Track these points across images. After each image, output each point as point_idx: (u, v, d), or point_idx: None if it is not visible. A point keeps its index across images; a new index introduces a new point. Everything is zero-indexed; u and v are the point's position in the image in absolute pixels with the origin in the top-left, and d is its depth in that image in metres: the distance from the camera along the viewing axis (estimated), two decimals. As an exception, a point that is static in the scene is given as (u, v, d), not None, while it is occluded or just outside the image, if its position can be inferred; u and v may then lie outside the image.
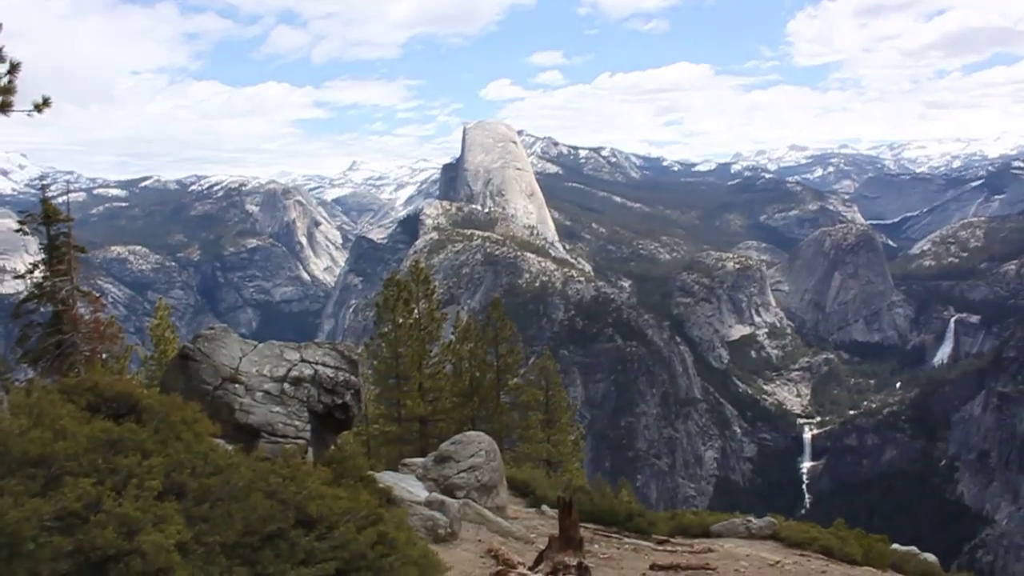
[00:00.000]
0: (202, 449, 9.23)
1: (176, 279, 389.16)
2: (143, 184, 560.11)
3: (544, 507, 25.64)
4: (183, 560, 6.61)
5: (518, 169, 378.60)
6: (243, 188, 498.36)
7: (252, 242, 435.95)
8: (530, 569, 13.83)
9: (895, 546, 24.73)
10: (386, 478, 19.60)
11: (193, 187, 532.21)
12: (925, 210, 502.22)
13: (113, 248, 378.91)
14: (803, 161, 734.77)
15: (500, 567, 13.48)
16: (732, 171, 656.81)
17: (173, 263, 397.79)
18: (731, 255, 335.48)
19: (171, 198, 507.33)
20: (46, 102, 12.80)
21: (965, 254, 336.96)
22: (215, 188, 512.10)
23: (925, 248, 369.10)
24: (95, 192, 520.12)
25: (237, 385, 15.63)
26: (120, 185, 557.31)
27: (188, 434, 9.95)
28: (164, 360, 34.73)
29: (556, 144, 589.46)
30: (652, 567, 16.56)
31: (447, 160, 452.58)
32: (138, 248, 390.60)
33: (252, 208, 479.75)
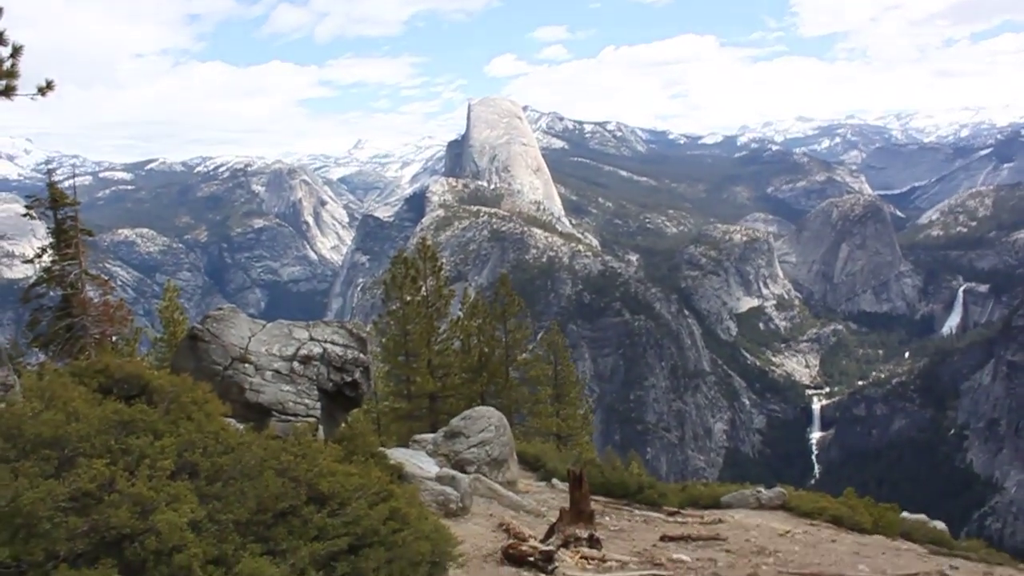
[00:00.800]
0: (213, 429, 9.30)
1: (184, 261, 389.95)
2: (149, 167, 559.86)
3: (555, 481, 25.74)
4: (197, 538, 6.68)
5: (524, 145, 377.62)
6: (249, 168, 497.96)
7: (259, 222, 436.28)
8: (541, 542, 13.93)
9: (905, 515, 24.77)
10: (397, 454, 19.71)
11: (199, 168, 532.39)
12: (933, 180, 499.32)
13: (120, 231, 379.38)
14: (810, 132, 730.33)
15: (512, 540, 13.58)
16: (738, 143, 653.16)
17: (180, 245, 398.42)
18: (738, 227, 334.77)
19: (177, 180, 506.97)
20: (49, 85, 12.80)
21: (974, 223, 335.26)
22: (221, 169, 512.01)
23: (933, 218, 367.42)
24: (101, 175, 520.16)
25: (247, 365, 15.71)
26: (126, 168, 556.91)
27: (199, 414, 10.03)
28: (174, 342, 34.83)
29: (561, 119, 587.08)
30: (663, 538, 16.66)
31: (452, 137, 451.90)
32: (145, 231, 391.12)
33: (258, 188, 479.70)
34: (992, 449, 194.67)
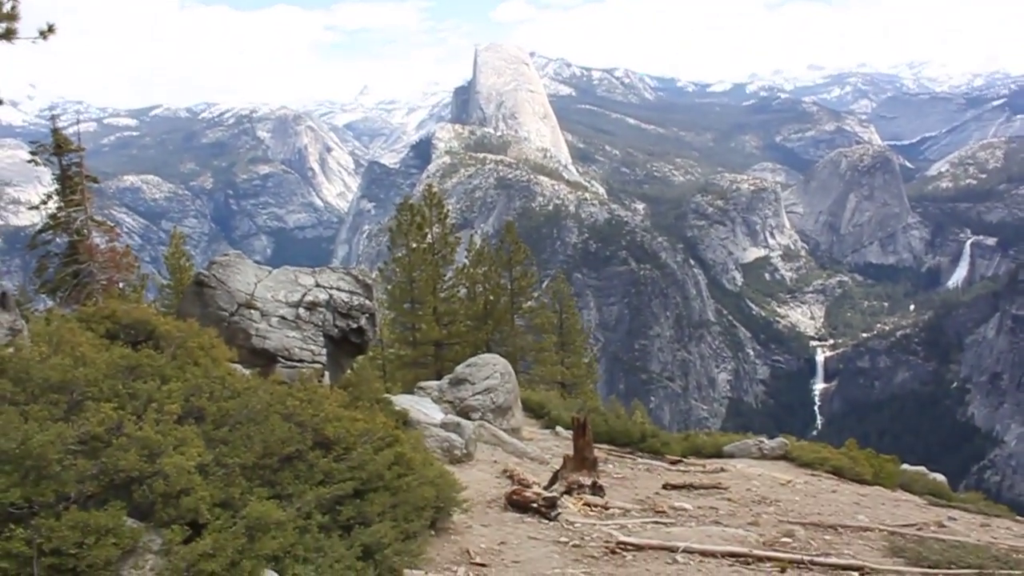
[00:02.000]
0: (220, 374, 9.38)
1: (190, 208, 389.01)
2: (153, 112, 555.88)
3: (558, 428, 25.93)
4: (204, 481, 6.76)
5: (530, 91, 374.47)
6: (254, 115, 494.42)
7: (264, 169, 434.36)
8: (545, 489, 14.08)
9: (905, 466, 24.96)
10: (402, 401, 19.84)
11: (204, 114, 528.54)
12: (944, 130, 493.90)
13: (126, 178, 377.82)
14: (820, 81, 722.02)
15: (515, 487, 13.72)
16: (747, 91, 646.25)
17: (186, 192, 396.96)
18: (746, 177, 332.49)
19: (182, 126, 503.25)
20: (51, 28, 12.65)
21: (983, 175, 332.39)
22: (226, 115, 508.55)
23: (943, 169, 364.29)
24: (105, 122, 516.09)
25: (253, 311, 15.76)
26: (130, 114, 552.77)
27: (205, 359, 10.11)
28: (180, 288, 34.93)
29: (569, 65, 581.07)
30: (665, 486, 16.81)
31: (459, 83, 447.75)
32: (150, 177, 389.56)
33: (263, 135, 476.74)
34: (993, 403, 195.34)
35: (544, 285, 52.63)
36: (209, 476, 6.95)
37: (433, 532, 10.24)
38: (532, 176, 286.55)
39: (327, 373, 16.24)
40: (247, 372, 11.69)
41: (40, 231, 23.15)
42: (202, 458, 6.96)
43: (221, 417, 8.09)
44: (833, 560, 10.52)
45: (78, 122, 25.37)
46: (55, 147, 22.40)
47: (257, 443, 7.73)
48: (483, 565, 9.46)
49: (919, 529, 13.97)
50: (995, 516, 18.73)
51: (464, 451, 17.09)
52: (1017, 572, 10.45)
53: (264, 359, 15.35)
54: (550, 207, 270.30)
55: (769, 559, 10.30)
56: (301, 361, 15.64)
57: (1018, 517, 20.57)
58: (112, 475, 6.40)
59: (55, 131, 22.73)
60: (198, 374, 9.05)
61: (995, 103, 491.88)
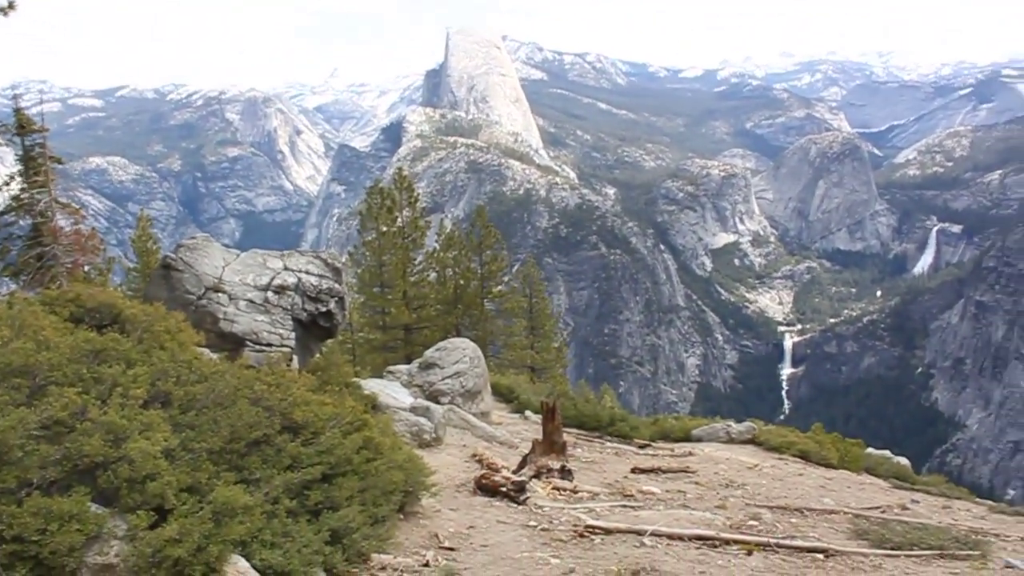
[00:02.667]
0: (187, 358, 9.30)
1: (157, 190, 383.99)
2: (120, 93, 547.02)
3: (528, 413, 25.99)
4: (170, 466, 6.71)
5: (502, 75, 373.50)
6: (223, 96, 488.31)
7: (233, 151, 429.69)
8: (514, 473, 14.11)
9: (870, 450, 25.28)
10: (371, 385, 19.78)
11: (172, 96, 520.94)
12: (912, 118, 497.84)
13: (91, 159, 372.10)
14: (791, 68, 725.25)
15: (484, 471, 13.74)
16: (719, 77, 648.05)
17: (153, 174, 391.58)
18: (716, 163, 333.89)
19: (149, 107, 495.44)
20: (11, 5, 12.43)
21: (950, 163, 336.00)
22: (194, 97, 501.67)
23: (910, 157, 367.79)
24: (70, 102, 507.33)
25: (220, 294, 15.63)
26: (96, 95, 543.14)
27: (172, 343, 10.02)
28: (147, 272, 34.62)
29: (541, 49, 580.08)
30: (633, 470, 16.90)
31: (430, 66, 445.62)
32: (117, 159, 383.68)
33: (232, 117, 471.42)
34: (956, 388, 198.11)
35: (514, 269, 52.72)
36: (175, 461, 6.90)
37: (402, 516, 10.24)
38: (503, 160, 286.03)
39: (296, 357, 16.15)
40: (214, 356, 11.61)
41: (2, 213, 22.77)
42: (168, 443, 6.91)
43: (188, 401, 8.03)
44: (799, 542, 10.63)
45: (41, 102, 25.02)
46: (18, 127, 22.01)
47: (224, 427, 7.68)
48: (452, 549, 9.48)
49: (883, 512, 14.16)
50: (956, 498, 19.05)
51: (433, 435, 17.08)
52: (976, 552, 10.63)
53: (232, 343, 15.24)
54: (521, 191, 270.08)
55: (736, 542, 10.40)
56: (269, 345, 15.54)
57: (978, 499, 20.94)
58: (76, 460, 6.34)
59: (17, 111, 22.34)
60: (164, 358, 8.97)
61: (962, 92, 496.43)
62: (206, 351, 11.88)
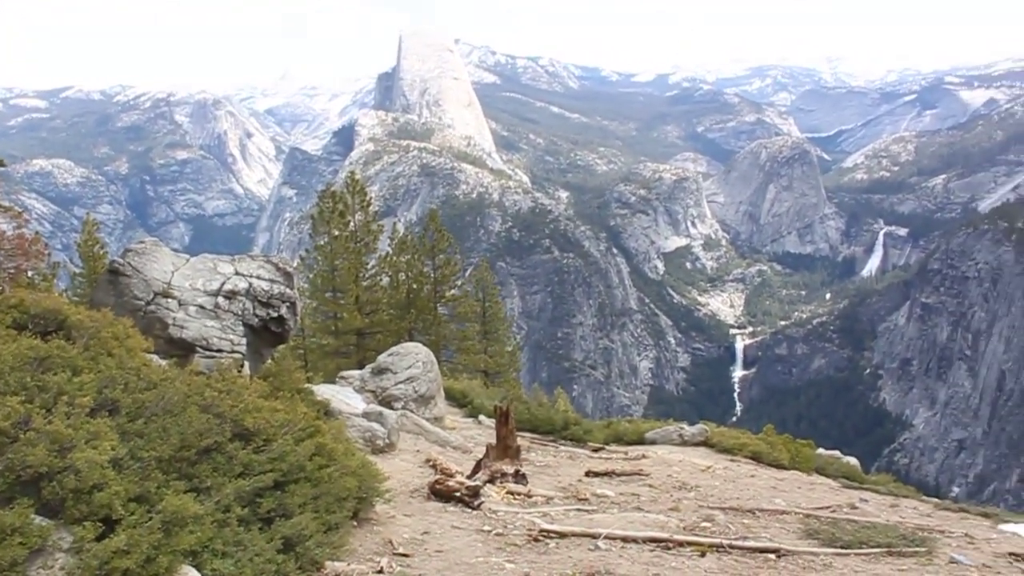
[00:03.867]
0: (135, 365, 9.15)
1: (104, 194, 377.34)
2: (64, 94, 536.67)
3: (481, 417, 25.97)
4: (118, 476, 6.58)
5: (455, 79, 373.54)
6: (171, 98, 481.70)
7: (182, 154, 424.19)
8: (468, 477, 14.07)
9: (820, 451, 25.60)
10: (324, 391, 19.64)
11: (118, 97, 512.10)
12: (859, 124, 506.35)
13: (35, 162, 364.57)
14: (741, 73, 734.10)
15: (438, 476, 13.69)
16: (670, 82, 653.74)
17: (100, 177, 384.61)
18: (668, 167, 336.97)
19: (95, 109, 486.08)
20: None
21: (896, 168, 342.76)
22: (142, 98, 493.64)
23: (858, 161, 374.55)
24: (12, 103, 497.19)
25: (170, 300, 15.40)
26: (39, 95, 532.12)
27: (120, 350, 9.84)
28: (93, 277, 33.99)
29: (494, 53, 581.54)
30: (587, 473, 16.95)
31: (383, 69, 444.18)
32: (62, 161, 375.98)
33: (181, 119, 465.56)
34: (904, 388, 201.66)
35: (467, 273, 52.56)
36: (123, 470, 6.77)
37: (355, 523, 10.16)
38: (456, 164, 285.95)
39: (247, 363, 15.97)
40: (164, 363, 11.43)
41: (-59, 216, 22.21)
42: (116, 452, 6.77)
43: (136, 409, 7.88)
44: (751, 543, 10.73)
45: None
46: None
47: (174, 435, 7.56)
48: (406, 555, 9.42)
49: (833, 511, 14.34)
50: (903, 496, 19.36)
51: (387, 441, 16.99)
52: (922, 549, 10.83)
53: (182, 349, 15.03)
54: (474, 195, 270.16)
55: (689, 543, 10.47)
56: (220, 351, 15.35)
57: (924, 497, 21.32)
58: (19, 471, 6.19)
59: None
60: (112, 365, 8.81)
61: (907, 98, 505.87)
62: (155, 358, 11.70)
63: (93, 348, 9.52)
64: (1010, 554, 11.19)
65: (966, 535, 12.74)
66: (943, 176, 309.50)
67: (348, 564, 8.40)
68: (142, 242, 16.76)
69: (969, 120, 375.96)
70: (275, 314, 16.75)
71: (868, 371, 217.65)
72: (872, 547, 10.81)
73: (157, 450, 7.26)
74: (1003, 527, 14.82)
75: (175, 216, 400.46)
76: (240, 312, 16.19)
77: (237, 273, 16.85)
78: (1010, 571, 10.34)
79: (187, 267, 16.52)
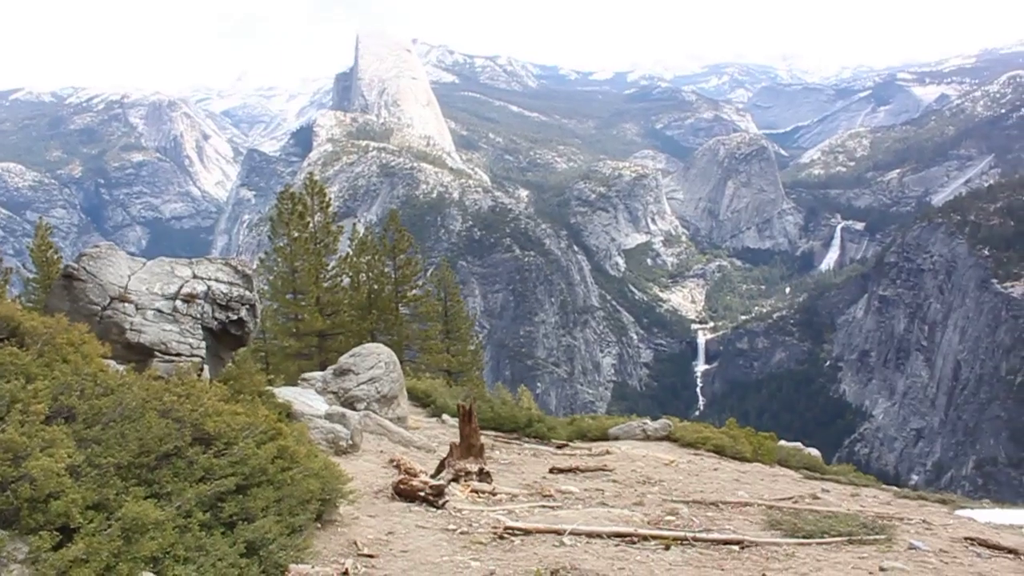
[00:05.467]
0: (91, 371, 9.00)
1: (57, 198, 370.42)
2: (14, 96, 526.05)
3: (445, 416, 25.94)
4: (75, 483, 6.49)
5: (413, 78, 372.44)
6: (125, 100, 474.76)
7: (138, 157, 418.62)
8: (432, 477, 14.04)
9: (782, 443, 25.89)
10: (285, 393, 19.51)
11: (70, 99, 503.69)
12: (815, 120, 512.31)
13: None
14: (699, 70, 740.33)
15: (402, 476, 13.64)
16: (628, 80, 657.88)
17: (53, 180, 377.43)
18: (627, 164, 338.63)
19: (46, 111, 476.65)
20: None
21: (852, 163, 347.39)
22: (95, 100, 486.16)
23: (815, 157, 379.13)
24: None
25: (127, 304, 15.20)
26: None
27: (75, 356, 9.69)
28: (47, 282, 33.47)
29: (452, 52, 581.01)
30: (552, 470, 16.99)
31: (340, 69, 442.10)
32: (12, 165, 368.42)
33: (136, 121, 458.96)
34: (863, 380, 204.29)
35: (428, 273, 52.47)
36: (81, 478, 6.67)
37: (319, 525, 10.10)
38: (415, 164, 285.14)
39: (207, 367, 15.81)
40: (121, 368, 11.28)
41: None
42: (72, 459, 6.67)
43: (93, 416, 7.76)
44: (715, 535, 10.81)
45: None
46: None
47: (132, 441, 7.46)
48: (371, 556, 9.38)
49: (795, 502, 14.50)
50: (863, 486, 19.66)
51: (349, 442, 16.90)
52: (882, 536, 11.00)
53: (140, 354, 14.84)
54: (434, 195, 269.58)
55: (654, 537, 10.52)
56: (179, 355, 15.18)
57: (884, 486, 21.66)
58: (-28, 481, 6.08)
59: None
60: (67, 371, 8.67)
61: (861, 95, 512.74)
62: (112, 363, 11.54)
63: (47, 355, 9.36)
64: (966, 538, 11.44)
65: (924, 521, 12.96)
66: (898, 171, 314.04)
67: (312, 567, 8.34)
68: (97, 246, 16.51)
69: (922, 115, 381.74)
70: (235, 317, 16.59)
71: (828, 363, 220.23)
72: (833, 536, 10.97)
73: (115, 456, 7.16)
74: (959, 512, 15.13)
75: (131, 220, 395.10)
76: (199, 315, 16.02)
77: (195, 276, 16.67)
78: (966, 555, 10.56)
79: (144, 271, 16.31)
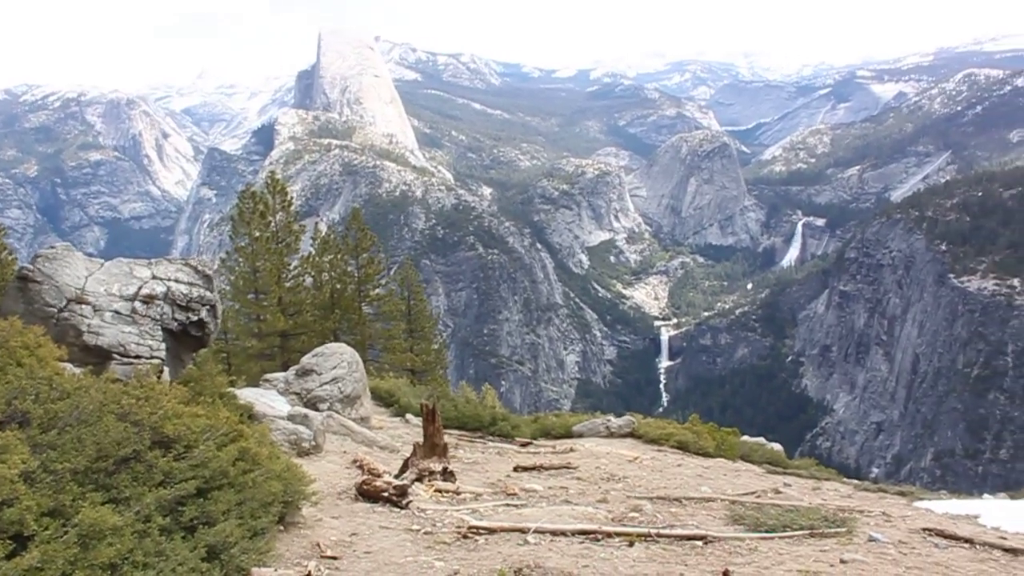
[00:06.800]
0: (47, 374, 8.87)
1: (12, 197, 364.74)
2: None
3: (409, 416, 25.84)
4: (30, 490, 6.38)
5: (376, 76, 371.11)
6: (82, 98, 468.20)
7: (95, 156, 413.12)
8: (396, 477, 13.98)
9: (745, 438, 26.03)
10: (247, 394, 19.35)
11: (25, 97, 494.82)
12: (777, 117, 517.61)
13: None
14: (661, 68, 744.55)
15: (366, 476, 13.57)
16: (591, 77, 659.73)
17: (7, 180, 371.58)
18: (590, 161, 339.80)
19: (0, 109, 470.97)
20: None
21: (813, 160, 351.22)
22: (51, 98, 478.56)
23: (776, 154, 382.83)
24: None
25: (84, 306, 14.98)
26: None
27: (30, 359, 9.55)
28: (2, 285, 32.86)
29: (415, 50, 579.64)
30: (516, 469, 16.99)
31: (302, 67, 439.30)
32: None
33: (93, 119, 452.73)
34: (824, 374, 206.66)
35: (392, 272, 52.36)
36: (36, 484, 6.56)
37: (282, 527, 10.02)
38: (378, 162, 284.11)
39: (167, 369, 15.63)
40: (78, 371, 11.12)
41: None
42: (27, 465, 6.56)
43: (49, 420, 7.65)
44: (678, 531, 10.88)
45: None
46: None
47: (90, 446, 7.35)
48: (334, 558, 9.32)
49: (758, 496, 14.63)
50: (825, 480, 19.87)
51: (312, 443, 16.80)
52: (843, 529, 11.16)
53: (98, 357, 14.63)
54: (397, 193, 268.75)
55: (618, 534, 10.56)
56: (138, 357, 14.99)
57: (845, 479, 21.92)
58: (-77, 489, 5.96)
59: None
60: (22, 375, 8.53)
61: (822, 92, 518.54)
62: (69, 366, 11.39)
63: (1, 359, 9.22)
64: (924, 529, 11.64)
65: (884, 514, 13.15)
66: (857, 167, 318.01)
67: (275, 570, 8.28)
68: (53, 247, 16.26)
69: (881, 113, 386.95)
70: (195, 318, 16.41)
71: (790, 358, 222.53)
72: (795, 530, 11.10)
73: (72, 462, 7.05)
74: (918, 504, 15.35)
75: (89, 220, 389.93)
76: (158, 317, 15.83)
77: (154, 277, 16.47)
78: (924, 545, 10.74)
79: (101, 272, 16.09)
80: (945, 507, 14.69)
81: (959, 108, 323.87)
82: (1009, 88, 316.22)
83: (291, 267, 40.84)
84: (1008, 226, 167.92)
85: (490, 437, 23.27)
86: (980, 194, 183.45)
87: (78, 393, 8.45)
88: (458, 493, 13.77)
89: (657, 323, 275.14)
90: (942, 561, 9.91)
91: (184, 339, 16.71)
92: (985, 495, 20.77)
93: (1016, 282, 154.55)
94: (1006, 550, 10.48)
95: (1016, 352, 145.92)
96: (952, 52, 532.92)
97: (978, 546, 10.70)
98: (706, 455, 22.04)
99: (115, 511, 6.76)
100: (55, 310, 14.73)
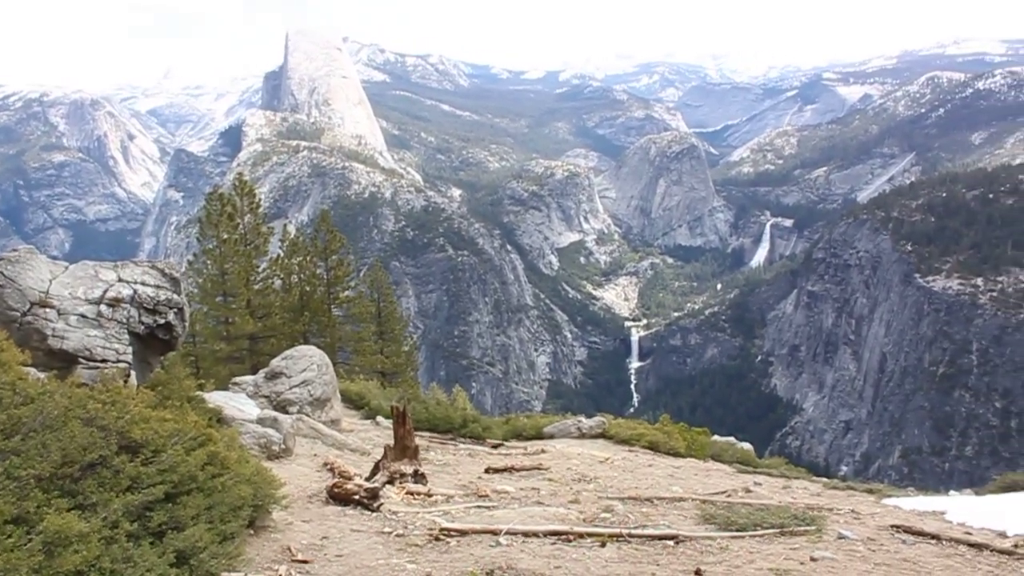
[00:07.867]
0: (9, 379, 8.74)
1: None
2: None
3: (379, 418, 25.75)
4: (-7, 497, 6.28)
5: (344, 77, 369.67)
6: (45, 99, 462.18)
7: (59, 157, 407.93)
8: (367, 480, 13.92)
9: (715, 438, 26.19)
10: (216, 398, 19.18)
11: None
12: (744, 119, 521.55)
13: None
14: (630, 69, 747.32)
15: (336, 479, 13.50)
16: (560, 79, 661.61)
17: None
18: (559, 163, 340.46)
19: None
20: None
21: (780, 161, 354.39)
22: (12, 98, 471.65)
23: (744, 155, 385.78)
24: None
25: (48, 310, 14.78)
26: None
27: (-7, 364, 9.41)
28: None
29: (383, 51, 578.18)
30: (487, 470, 16.98)
31: (269, 68, 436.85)
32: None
33: (57, 120, 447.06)
34: (793, 374, 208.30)
35: (361, 274, 52.18)
36: (-1, 491, 6.46)
37: (252, 532, 9.95)
38: (347, 163, 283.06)
39: (134, 373, 15.44)
40: (43, 376, 10.97)
41: None
42: (-10, 472, 6.46)
43: (12, 426, 7.53)
44: (650, 531, 10.90)
45: None
46: None
47: (55, 451, 7.25)
48: (305, 562, 9.27)
49: (728, 496, 14.70)
50: (795, 478, 20.02)
51: (282, 446, 16.69)
52: (812, 527, 11.25)
53: (63, 361, 14.44)
54: (366, 195, 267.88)
55: (590, 535, 10.57)
56: (104, 361, 14.81)
57: (814, 477, 22.11)
58: None
59: None
60: (-15, 380, 8.40)
61: (788, 94, 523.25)
62: (33, 371, 11.22)
63: (-36, 363, 9.08)
64: (892, 526, 11.77)
65: (853, 511, 13.27)
66: (824, 168, 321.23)
67: (245, 574, 8.21)
68: (16, 250, 16.03)
69: (847, 114, 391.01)
70: (162, 321, 16.24)
71: (759, 358, 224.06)
72: (766, 528, 11.17)
73: (36, 468, 6.95)
74: (886, 501, 15.51)
75: (53, 222, 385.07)
76: (125, 320, 15.65)
77: (120, 280, 16.28)
78: (892, 542, 10.86)
79: (66, 275, 15.89)
80: (912, 504, 14.84)
81: (923, 110, 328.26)
82: (971, 91, 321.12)
83: (260, 269, 40.58)
84: (971, 226, 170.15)
85: (461, 439, 23.24)
86: (944, 195, 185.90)
87: (42, 398, 8.33)
88: (430, 495, 13.74)
89: (627, 324, 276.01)
90: (910, 557, 10.01)
91: (151, 343, 16.54)
92: (951, 492, 21.03)
93: (979, 281, 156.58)
94: (971, 545, 10.61)
95: (980, 350, 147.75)
96: (916, 55, 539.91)
97: (944, 542, 10.82)
98: (677, 455, 22.14)
99: (81, 517, 6.66)
100: (18, 314, 14.52)
